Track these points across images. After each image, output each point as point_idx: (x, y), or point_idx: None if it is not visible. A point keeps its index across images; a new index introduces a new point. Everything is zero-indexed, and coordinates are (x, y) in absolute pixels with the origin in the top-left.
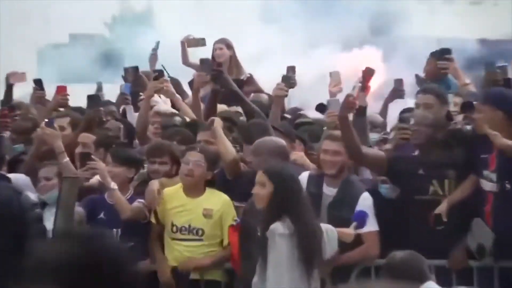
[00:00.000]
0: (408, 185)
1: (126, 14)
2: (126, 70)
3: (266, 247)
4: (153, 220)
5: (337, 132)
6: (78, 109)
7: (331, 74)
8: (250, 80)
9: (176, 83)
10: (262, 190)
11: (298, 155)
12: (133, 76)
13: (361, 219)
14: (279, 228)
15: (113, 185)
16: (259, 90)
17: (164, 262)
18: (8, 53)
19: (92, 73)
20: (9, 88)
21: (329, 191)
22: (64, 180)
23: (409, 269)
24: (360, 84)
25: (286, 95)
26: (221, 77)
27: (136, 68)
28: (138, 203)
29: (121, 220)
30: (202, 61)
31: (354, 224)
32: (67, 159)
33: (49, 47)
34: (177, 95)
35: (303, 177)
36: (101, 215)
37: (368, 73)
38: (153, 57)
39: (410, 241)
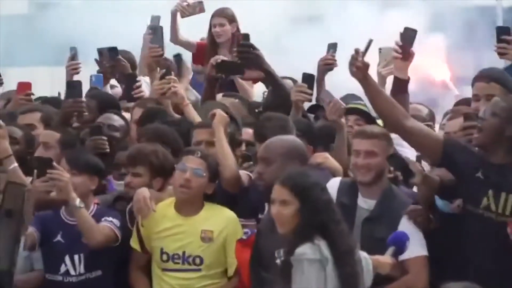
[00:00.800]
0: (462, 188)
1: None
2: (100, 52)
3: (289, 276)
4: (135, 246)
5: (370, 128)
6: (50, 100)
7: (380, 50)
8: (256, 62)
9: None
10: (285, 209)
11: (323, 156)
12: (110, 60)
13: (400, 242)
14: (308, 252)
15: (79, 203)
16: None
17: None
18: None
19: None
20: None
21: (365, 203)
22: (8, 187)
23: None
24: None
25: (309, 100)
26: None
27: (114, 50)
28: (107, 223)
29: (84, 244)
30: (153, 28)
31: (391, 249)
32: (15, 165)
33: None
34: (187, 100)
35: (332, 185)
36: (59, 237)
37: (408, 36)
38: (149, 37)
39: (470, 268)
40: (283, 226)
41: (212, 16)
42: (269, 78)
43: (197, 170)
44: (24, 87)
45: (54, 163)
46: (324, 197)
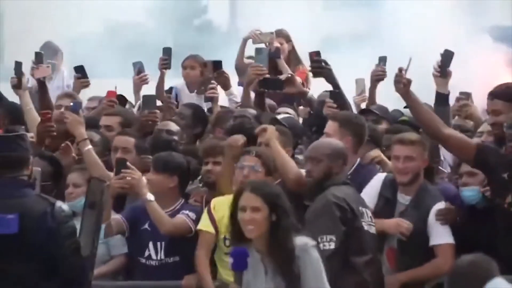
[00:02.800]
0: (491, 186)
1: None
2: (204, 63)
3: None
4: (207, 228)
5: (408, 135)
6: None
7: (356, 81)
8: (292, 80)
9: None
10: (257, 215)
11: (376, 153)
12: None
13: (241, 258)
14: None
15: (150, 196)
16: (302, 92)
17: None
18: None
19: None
20: (41, 85)
21: (403, 198)
22: (91, 182)
23: (475, 269)
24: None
25: None
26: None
27: (219, 63)
28: (183, 215)
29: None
30: (259, 51)
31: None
32: (89, 146)
33: (83, 36)
34: None
35: (378, 179)
36: (146, 226)
37: (447, 57)
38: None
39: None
40: (253, 231)
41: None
42: (336, 91)
43: (253, 167)
44: (110, 94)
45: (128, 164)
46: (288, 203)
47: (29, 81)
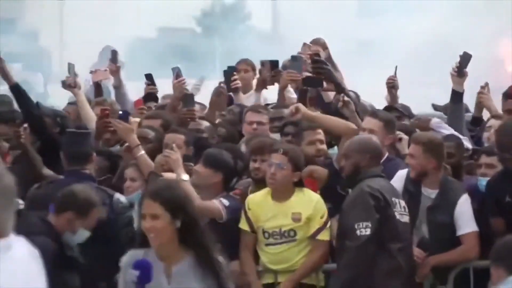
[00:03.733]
0: None
1: (216, 8)
2: (263, 63)
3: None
4: (244, 227)
5: (416, 134)
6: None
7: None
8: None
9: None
10: (157, 223)
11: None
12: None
13: (145, 269)
14: None
15: (185, 177)
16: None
17: (257, 284)
18: (98, 48)
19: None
20: (98, 88)
21: (427, 192)
22: (150, 176)
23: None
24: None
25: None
26: (330, 74)
27: (276, 62)
28: (216, 200)
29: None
30: (294, 58)
31: (135, 273)
32: (142, 152)
33: (138, 41)
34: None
35: (401, 174)
36: None
37: (465, 59)
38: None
39: None
40: (157, 239)
41: (306, 44)
42: (338, 89)
43: (280, 164)
44: (138, 103)
45: (174, 146)
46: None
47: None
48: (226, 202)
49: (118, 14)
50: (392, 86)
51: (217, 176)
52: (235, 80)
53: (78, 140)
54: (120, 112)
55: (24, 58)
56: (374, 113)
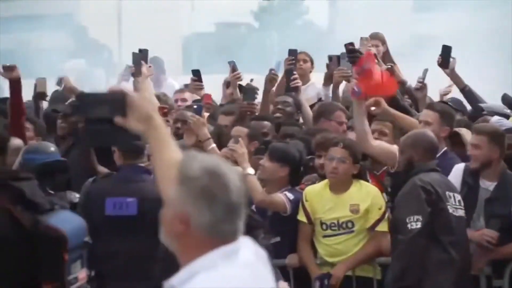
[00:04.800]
0: None
1: (273, 2)
2: (330, 58)
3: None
4: (302, 218)
5: (478, 125)
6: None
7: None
8: (392, 70)
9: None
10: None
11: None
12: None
13: None
14: None
15: (250, 170)
16: (401, 82)
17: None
18: (153, 42)
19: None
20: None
21: (485, 184)
22: None
23: None
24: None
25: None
26: None
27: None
28: (281, 193)
29: (268, 215)
30: (349, 50)
31: None
32: (213, 145)
33: (194, 35)
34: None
35: (458, 168)
36: (252, 207)
37: (445, 50)
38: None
39: None
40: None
41: (364, 38)
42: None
43: (341, 158)
44: (207, 97)
45: (240, 140)
46: None
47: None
48: (290, 195)
49: (175, 10)
50: (419, 88)
51: (283, 170)
52: (295, 79)
53: (134, 134)
54: (195, 106)
55: (83, 53)
56: (430, 105)
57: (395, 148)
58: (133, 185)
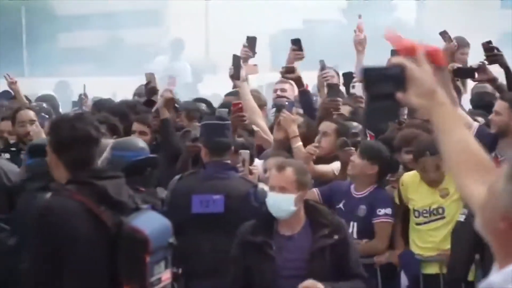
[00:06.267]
0: None
1: None
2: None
3: None
4: (396, 200)
5: (504, 93)
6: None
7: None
8: (483, 67)
9: None
10: None
11: None
12: None
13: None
14: None
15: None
16: (492, 79)
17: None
18: (240, 39)
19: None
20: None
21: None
22: None
23: None
24: None
25: None
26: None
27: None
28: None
29: (358, 215)
30: (487, 48)
31: None
32: (299, 143)
33: (282, 32)
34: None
35: None
36: (340, 205)
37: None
38: None
39: None
40: None
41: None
42: (508, 76)
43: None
44: (235, 105)
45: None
46: None
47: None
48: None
49: (263, 6)
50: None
51: (373, 168)
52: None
53: (218, 131)
54: (287, 103)
55: (169, 49)
56: (501, 95)
57: None
58: (219, 182)
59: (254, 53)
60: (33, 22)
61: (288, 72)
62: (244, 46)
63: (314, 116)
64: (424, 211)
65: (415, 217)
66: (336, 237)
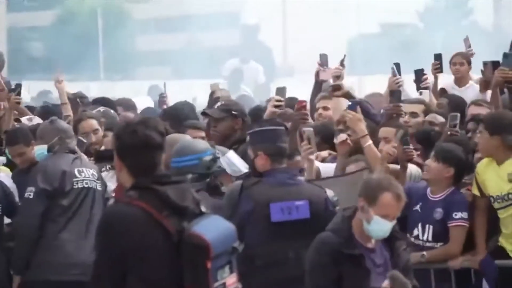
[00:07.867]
0: None
1: (439, 3)
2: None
3: None
4: (475, 191)
5: None
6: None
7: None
8: None
9: None
10: None
11: None
12: None
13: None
14: None
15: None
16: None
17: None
18: (318, 42)
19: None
20: (318, 87)
21: None
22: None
23: None
24: None
25: None
26: None
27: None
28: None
29: (434, 218)
30: (505, 55)
31: None
32: (370, 142)
33: (359, 36)
34: None
35: None
36: (417, 207)
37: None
38: None
39: None
40: None
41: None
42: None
43: None
44: (299, 103)
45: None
46: None
47: None
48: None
49: (339, 11)
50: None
51: (448, 171)
52: (425, 80)
53: (278, 137)
54: (349, 103)
55: (243, 51)
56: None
57: None
58: (295, 188)
59: (327, 68)
60: (109, 25)
61: (335, 90)
62: (318, 63)
63: (375, 122)
64: (498, 197)
65: (491, 203)
66: (408, 250)
